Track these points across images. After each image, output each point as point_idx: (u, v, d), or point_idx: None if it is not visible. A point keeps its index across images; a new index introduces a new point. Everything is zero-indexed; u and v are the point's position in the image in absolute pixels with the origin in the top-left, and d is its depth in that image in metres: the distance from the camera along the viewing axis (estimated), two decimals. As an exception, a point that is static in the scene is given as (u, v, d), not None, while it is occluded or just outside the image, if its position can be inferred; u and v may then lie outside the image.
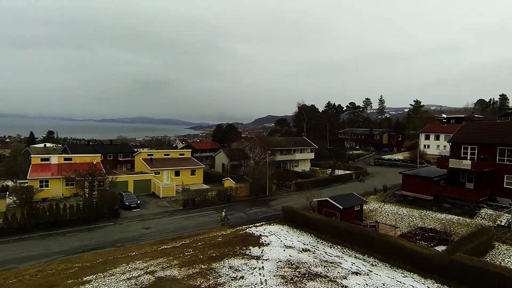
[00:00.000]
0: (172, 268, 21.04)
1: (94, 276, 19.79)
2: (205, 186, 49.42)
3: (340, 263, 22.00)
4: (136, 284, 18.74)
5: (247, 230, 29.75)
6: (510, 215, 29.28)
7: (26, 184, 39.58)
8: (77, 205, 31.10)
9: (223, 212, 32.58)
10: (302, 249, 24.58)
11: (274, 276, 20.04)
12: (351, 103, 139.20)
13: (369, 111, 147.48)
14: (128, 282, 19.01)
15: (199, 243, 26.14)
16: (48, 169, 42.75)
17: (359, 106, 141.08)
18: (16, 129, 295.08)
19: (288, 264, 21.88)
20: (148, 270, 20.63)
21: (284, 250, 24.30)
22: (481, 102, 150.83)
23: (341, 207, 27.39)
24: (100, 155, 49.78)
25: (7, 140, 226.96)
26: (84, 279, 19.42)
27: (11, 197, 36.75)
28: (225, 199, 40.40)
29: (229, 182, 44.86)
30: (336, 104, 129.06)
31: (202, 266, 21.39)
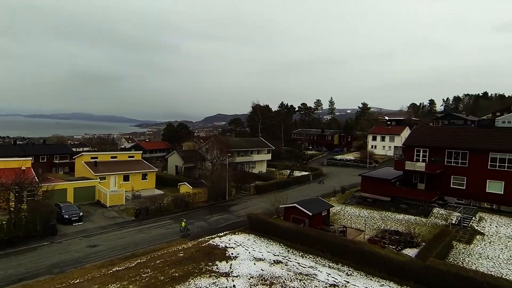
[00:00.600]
0: (127, 297, 17.82)
1: (25, 317, 15.77)
2: (158, 192, 45.34)
3: (315, 275, 20.85)
4: (82, 324, 15.28)
5: (210, 241, 27.27)
6: (460, 214, 31.26)
7: None
8: (0, 223, 25.49)
9: (182, 222, 29.58)
10: (274, 261, 22.98)
11: (248, 296, 18.08)
12: (303, 104, 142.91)
13: (319, 112, 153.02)
14: (71, 322, 15.44)
15: (158, 261, 23.00)
16: (-41, 177, 34.99)
17: (311, 107, 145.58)
18: None
19: (261, 280, 20.07)
20: (97, 303, 17.15)
21: (254, 264, 22.44)
22: (413, 106, 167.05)
23: (310, 214, 26.44)
24: (31, 158, 42.52)
25: None
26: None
27: None
28: (182, 207, 37.21)
29: (185, 187, 41.59)
30: (289, 104, 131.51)
31: (164, 291, 18.53)
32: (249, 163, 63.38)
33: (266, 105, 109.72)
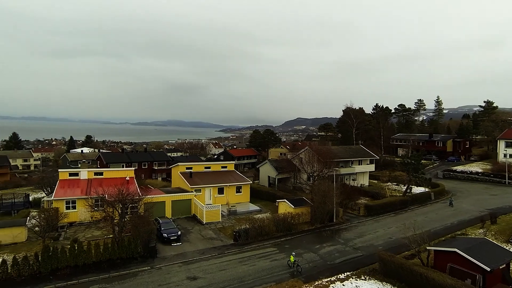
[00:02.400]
0: None
1: None
2: (254, 207, 41.36)
3: None
4: None
5: (330, 287, 21.05)
6: None
7: (52, 205, 34.04)
8: (105, 244, 24.15)
9: (291, 256, 24.08)
10: None
11: None
12: (401, 105, 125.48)
13: (421, 113, 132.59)
14: None
15: (270, 314, 17.82)
16: (76, 186, 36.91)
17: (410, 108, 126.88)
18: (60, 132, 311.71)
19: None
20: None
21: None
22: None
23: (488, 269, 17.73)
24: (133, 169, 43.37)
25: (54, 142, 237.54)
26: None
27: (33, 221, 31.02)
28: (284, 230, 31.91)
29: (285, 206, 36.34)
30: (384, 106, 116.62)
31: None
32: (350, 175, 55.10)
33: (360, 107, 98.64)
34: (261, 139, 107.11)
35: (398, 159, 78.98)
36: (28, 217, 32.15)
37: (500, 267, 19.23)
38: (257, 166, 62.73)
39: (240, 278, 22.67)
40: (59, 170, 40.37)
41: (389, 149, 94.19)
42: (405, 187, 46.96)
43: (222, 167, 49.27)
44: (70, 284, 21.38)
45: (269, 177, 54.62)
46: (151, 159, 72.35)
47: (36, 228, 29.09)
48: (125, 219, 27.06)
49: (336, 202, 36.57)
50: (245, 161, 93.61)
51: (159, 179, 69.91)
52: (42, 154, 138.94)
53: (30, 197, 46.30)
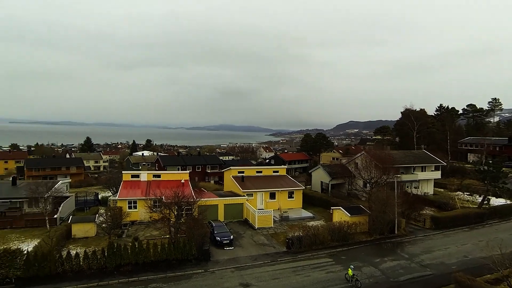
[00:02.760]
0: None
1: None
2: (306, 213, 39.91)
3: None
4: None
5: (395, 308, 18.90)
6: None
7: (116, 204, 36.70)
8: (162, 244, 25.02)
9: (349, 269, 22.32)
10: None
11: None
12: (470, 105, 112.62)
13: (496, 113, 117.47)
14: None
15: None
16: (137, 187, 39.40)
17: (481, 108, 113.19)
18: (125, 136, 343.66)
19: None
20: None
21: None
22: None
23: None
24: (188, 172, 44.87)
25: (119, 146, 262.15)
26: None
27: (101, 218, 33.75)
28: (339, 239, 30.02)
29: (341, 214, 34.30)
30: (449, 106, 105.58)
31: None
32: (411, 182, 50.42)
33: (421, 109, 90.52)
34: (312, 143, 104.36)
35: (468, 165, 70.91)
36: (97, 214, 35.02)
37: None
38: (309, 171, 60.91)
39: (297, 288, 21.63)
40: (123, 172, 43.52)
41: (456, 155, 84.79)
42: (481, 198, 41.24)
43: (274, 171, 48.68)
44: (131, 280, 22.48)
45: (321, 182, 52.56)
46: (204, 162, 74.91)
47: (103, 225, 31.56)
48: (181, 221, 27.89)
49: (398, 212, 33.44)
50: (296, 166, 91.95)
51: (212, 182, 72.00)
52: (109, 156, 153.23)
53: (99, 195, 50.95)
